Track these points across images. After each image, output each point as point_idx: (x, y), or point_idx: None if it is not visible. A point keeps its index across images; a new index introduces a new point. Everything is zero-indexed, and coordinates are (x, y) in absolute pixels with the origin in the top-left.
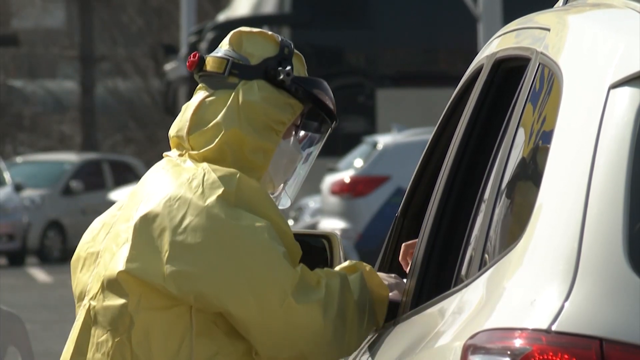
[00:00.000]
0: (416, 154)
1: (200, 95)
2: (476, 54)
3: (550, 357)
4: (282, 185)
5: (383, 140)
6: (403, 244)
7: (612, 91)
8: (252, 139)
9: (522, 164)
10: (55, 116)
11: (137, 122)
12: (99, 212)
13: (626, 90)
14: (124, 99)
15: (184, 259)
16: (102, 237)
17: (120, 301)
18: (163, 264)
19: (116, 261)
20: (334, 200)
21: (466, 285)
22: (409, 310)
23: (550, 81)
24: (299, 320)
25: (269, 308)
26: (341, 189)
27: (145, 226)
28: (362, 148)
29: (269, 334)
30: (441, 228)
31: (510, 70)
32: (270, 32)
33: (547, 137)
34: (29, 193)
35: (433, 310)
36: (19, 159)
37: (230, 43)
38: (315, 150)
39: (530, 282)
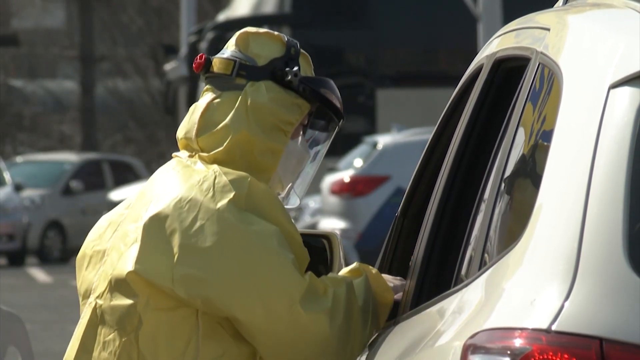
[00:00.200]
0: (416, 154)
1: (207, 97)
2: (476, 54)
3: (550, 357)
4: (290, 184)
5: (383, 140)
6: None
7: (612, 91)
8: (261, 141)
9: (522, 164)
10: (55, 116)
11: (137, 122)
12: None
13: (626, 90)
14: (124, 99)
15: (193, 262)
16: (108, 236)
17: (129, 301)
18: (172, 266)
19: (125, 261)
20: (333, 200)
21: (466, 285)
22: (409, 310)
23: (550, 81)
24: (306, 328)
25: (276, 315)
26: (341, 189)
27: (155, 227)
28: (362, 148)
29: (275, 340)
30: (441, 228)
31: (510, 70)
32: (276, 32)
33: (547, 137)
34: (29, 193)
35: (433, 310)
36: (19, 159)
37: (237, 44)
38: (323, 148)
39: (530, 282)
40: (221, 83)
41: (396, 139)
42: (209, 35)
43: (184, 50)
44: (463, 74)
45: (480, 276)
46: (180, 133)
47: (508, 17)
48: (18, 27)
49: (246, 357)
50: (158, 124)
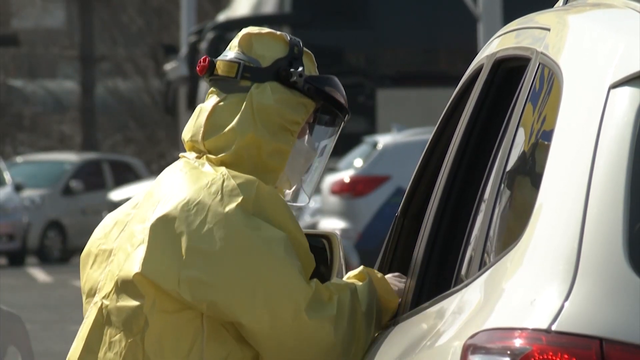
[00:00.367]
0: (416, 154)
1: (212, 99)
2: (476, 54)
3: (550, 357)
4: (299, 183)
5: (383, 140)
6: None
7: (612, 91)
8: (268, 142)
9: (522, 163)
10: (55, 116)
11: (137, 122)
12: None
13: (626, 90)
14: (124, 99)
15: (199, 266)
16: (115, 235)
17: (135, 302)
18: (178, 269)
19: (132, 262)
20: (333, 200)
21: (466, 285)
22: (409, 310)
23: (550, 81)
24: (310, 335)
25: (281, 322)
26: (341, 189)
27: (162, 229)
28: (362, 148)
29: (279, 347)
30: (441, 228)
31: (510, 70)
32: (278, 32)
33: (547, 137)
34: (29, 193)
35: (433, 310)
36: (19, 159)
37: (240, 45)
38: (331, 142)
39: (530, 282)
40: (226, 85)
41: (396, 139)
42: (209, 35)
43: (184, 50)
44: (463, 74)
45: (480, 276)
46: (186, 136)
47: (508, 17)
48: (18, 27)
49: None
50: (158, 124)
